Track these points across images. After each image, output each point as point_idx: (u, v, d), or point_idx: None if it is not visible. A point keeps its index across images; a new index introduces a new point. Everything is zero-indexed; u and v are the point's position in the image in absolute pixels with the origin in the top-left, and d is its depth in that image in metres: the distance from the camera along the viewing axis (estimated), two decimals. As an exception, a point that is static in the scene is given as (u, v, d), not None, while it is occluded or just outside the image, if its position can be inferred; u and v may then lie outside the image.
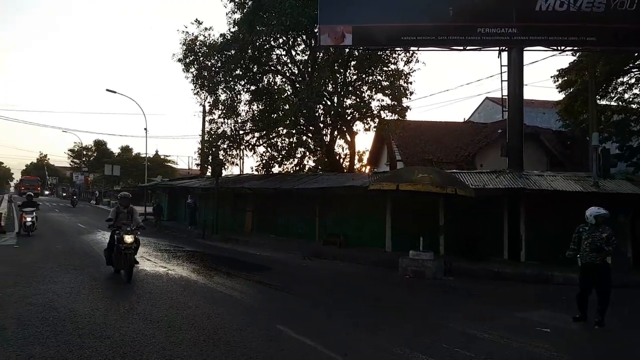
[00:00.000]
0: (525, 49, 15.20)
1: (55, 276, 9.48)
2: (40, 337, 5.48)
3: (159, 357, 5.08)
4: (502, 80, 15.41)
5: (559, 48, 15.29)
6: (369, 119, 20.44)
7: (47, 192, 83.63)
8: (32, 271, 9.94)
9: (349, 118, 20.73)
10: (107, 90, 34.31)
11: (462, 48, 15.69)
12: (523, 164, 14.82)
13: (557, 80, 20.59)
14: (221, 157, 22.81)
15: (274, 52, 21.31)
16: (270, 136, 22.56)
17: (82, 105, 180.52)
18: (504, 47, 15.27)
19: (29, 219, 16.96)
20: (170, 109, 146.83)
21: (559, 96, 21.41)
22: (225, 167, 23.72)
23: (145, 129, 35.85)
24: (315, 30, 17.09)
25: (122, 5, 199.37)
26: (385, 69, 19.75)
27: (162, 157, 66.34)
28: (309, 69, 20.63)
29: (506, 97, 15.31)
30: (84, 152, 78.47)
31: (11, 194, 57.86)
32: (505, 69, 15.27)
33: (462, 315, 7.93)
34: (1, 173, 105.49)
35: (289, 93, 21.19)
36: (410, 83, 19.48)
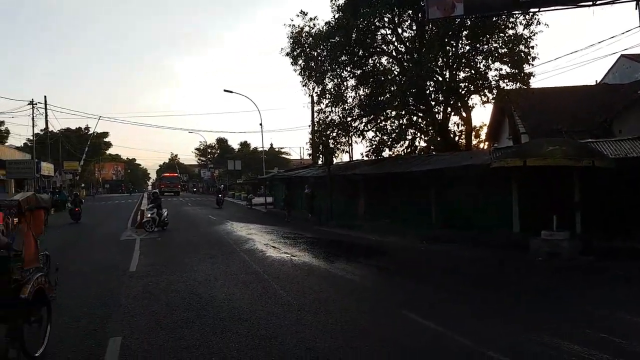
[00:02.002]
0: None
1: (193, 265, 10.42)
2: (187, 321, 6.03)
3: (292, 339, 5.28)
4: (643, 34, 13.28)
5: None
6: (486, 91, 19.04)
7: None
8: (174, 261, 11.04)
9: (463, 92, 19.56)
10: (225, 90, 36.97)
11: (591, 3, 13.84)
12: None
13: None
14: (331, 145, 23.12)
15: (379, 33, 20.84)
16: (379, 120, 22.27)
17: (205, 106, 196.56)
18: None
19: (148, 215, 18.57)
20: (282, 103, 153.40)
21: None
22: (336, 155, 24.03)
23: (260, 124, 37.96)
24: (422, 4, 16.32)
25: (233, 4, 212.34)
26: (501, 35, 18.22)
27: (276, 149, 69.70)
28: (417, 45, 19.85)
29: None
30: (209, 150, 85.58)
31: (150, 192, 65.22)
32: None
33: (607, 299, 7.08)
34: (140, 173, 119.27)
35: (396, 73, 20.66)
36: (532, 48, 17.71)
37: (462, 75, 19.53)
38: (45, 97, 42.29)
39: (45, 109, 38.81)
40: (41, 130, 41.84)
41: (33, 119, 36.47)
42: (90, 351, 4.90)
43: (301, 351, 4.90)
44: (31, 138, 39.87)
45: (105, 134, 76.81)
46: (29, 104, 36.52)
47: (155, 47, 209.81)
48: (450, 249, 13.02)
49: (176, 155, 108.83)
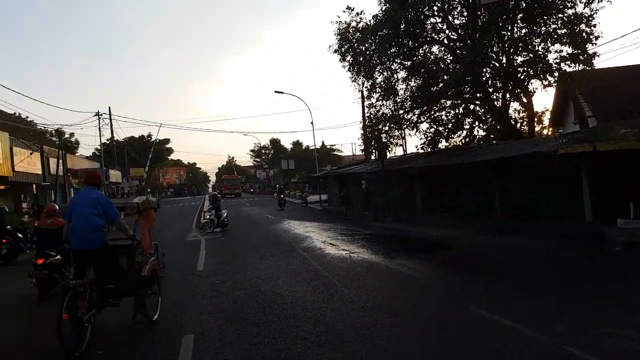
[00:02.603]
0: None
1: (256, 263, 10.67)
2: (254, 318, 6.18)
3: (358, 337, 5.26)
4: None
5: None
6: (546, 75, 18.07)
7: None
8: (238, 260, 11.36)
9: (522, 77, 18.68)
10: (276, 91, 37.77)
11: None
12: None
13: None
14: (384, 139, 22.86)
15: (428, 22, 20.32)
16: (433, 111, 21.75)
17: (257, 108, 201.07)
18: None
19: (207, 216, 19.29)
20: (332, 100, 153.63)
21: None
22: (389, 149, 23.73)
23: (312, 122, 38.37)
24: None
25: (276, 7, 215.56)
26: (560, 15, 17.22)
27: (328, 147, 69.94)
28: (470, 31, 19.18)
29: None
30: (263, 151, 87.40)
31: (210, 194, 67.52)
32: None
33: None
34: (200, 177, 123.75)
35: (449, 61, 20.09)
36: (594, 26, 16.59)
37: (520, 59, 18.67)
38: (109, 108, 44.94)
39: (110, 119, 41.11)
40: (107, 139, 44.44)
41: (100, 129, 38.80)
42: (166, 349, 5.13)
43: (367, 348, 4.87)
44: (99, 147, 42.44)
45: (167, 141, 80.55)
46: (95, 115, 38.85)
47: (207, 52, 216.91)
48: (517, 241, 12.49)
49: (233, 158, 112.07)
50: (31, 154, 23.12)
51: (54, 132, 38.48)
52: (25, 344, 5.76)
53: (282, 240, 15.13)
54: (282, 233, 17.29)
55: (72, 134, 51.54)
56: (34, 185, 24.52)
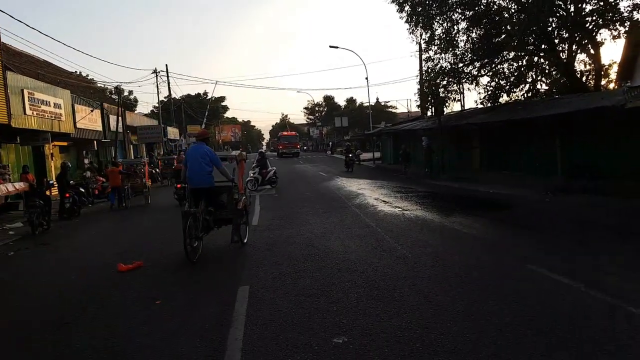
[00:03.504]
0: None
1: (309, 219, 10.84)
2: (307, 272, 6.32)
3: (411, 291, 5.27)
4: None
5: None
6: (616, 24, 16.54)
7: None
8: (291, 216, 11.57)
9: (590, 27, 17.18)
10: (330, 46, 37.15)
11: None
12: None
13: None
14: (441, 94, 22.05)
15: (493, -33, 18.95)
16: (494, 64, 20.61)
17: (311, 64, 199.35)
18: None
19: (251, 174, 18.52)
20: (388, 54, 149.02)
21: None
22: (447, 104, 22.92)
23: (367, 78, 37.77)
24: None
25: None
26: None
27: (382, 103, 68.47)
28: (538, -23, 17.67)
29: None
30: (316, 109, 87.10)
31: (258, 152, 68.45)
32: None
33: None
34: (255, 134, 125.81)
35: (513, 11, 18.74)
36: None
37: (588, 8, 17.15)
38: (166, 65, 46.19)
39: (168, 76, 42.23)
40: (165, 97, 45.88)
41: (157, 86, 39.94)
42: (222, 299, 5.37)
43: (420, 302, 4.87)
44: (157, 105, 43.92)
45: (222, 99, 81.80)
46: (152, 72, 39.95)
47: (261, 7, 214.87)
48: (579, 200, 11.90)
49: (286, 116, 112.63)
50: (92, 111, 24.24)
51: (113, 89, 40.21)
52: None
53: (334, 196, 15.23)
54: (335, 190, 17.39)
55: (130, 92, 53.67)
56: (95, 142, 25.83)
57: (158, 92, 40.98)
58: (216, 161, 7.66)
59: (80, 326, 4.80)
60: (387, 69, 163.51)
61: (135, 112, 45.14)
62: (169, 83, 42.55)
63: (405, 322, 4.36)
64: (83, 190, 15.90)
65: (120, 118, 26.13)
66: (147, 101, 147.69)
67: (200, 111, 60.93)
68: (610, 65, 22.78)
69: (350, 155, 28.54)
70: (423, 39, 22.85)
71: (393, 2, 22.25)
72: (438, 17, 20.82)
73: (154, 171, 23.46)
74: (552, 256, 6.69)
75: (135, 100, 54.04)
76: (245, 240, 8.30)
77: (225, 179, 8.03)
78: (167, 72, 42.59)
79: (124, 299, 5.66)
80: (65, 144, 22.87)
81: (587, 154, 14.46)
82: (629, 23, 16.29)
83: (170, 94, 45.03)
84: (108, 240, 10.43)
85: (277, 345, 4.00)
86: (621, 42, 19.25)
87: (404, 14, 22.12)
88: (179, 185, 14.41)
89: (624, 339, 3.82)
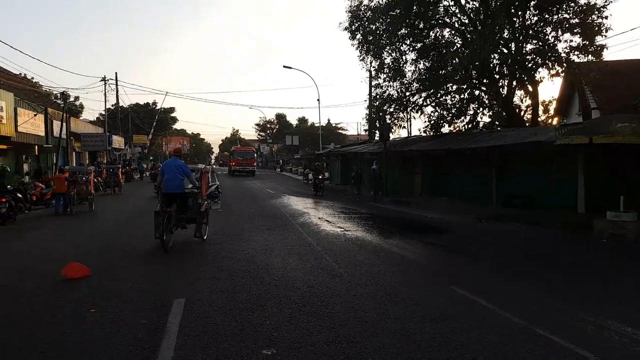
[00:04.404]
0: None
1: (252, 235, 10.93)
2: (245, 287, 6.44)
3: (342, 307, 5.53)
4: None
5: None
6: (555, 64, 18.01)
7: None
8: (234, 231, 11.61)
9: (530, 65, 18.62)
10: (284, 66, 37.61)
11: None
12: None
13: None
14: (388, 120, 22.92)
15: (440, 4, 20.18)
16: (439, 94, 21.76)
17: (265, 83, 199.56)
18: None
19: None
20: (340, 78, 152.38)
21: None
22: (393, 130, 23.80)
23: (318, 99, 38.38)
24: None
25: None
26: (572, 4, 17.06)
27: (333, 125, 69.76)
28: (481, 16, 19.03)
29: None
30: (268, 125, 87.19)
31: (213, 167, 67.32)
32: None
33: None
34: (204, 148, 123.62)
35: (458, 45, 19.98)
36: (606, 18, 16.49)
37: (529, 47, 18.58)
38: (116, 73, 44.87)
39: (117, 84, 41.18)
40: (112, 105, 44.52)
41: (105, 94, 38.84)
42: (158, 310, 5.39)
43: (350, 319, 5.13)
44: (103, 112, 42.55)
45: (172, 109, 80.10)
46: (101, 80, 38.84)
47: (216, 22, 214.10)
48: (510, 228, 12.72)
49: (237, 131, 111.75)
50: (35, 115, 23.18)
51: (59, 94, 38.57)
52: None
53: (279, 214, 15.39)
54: (280, 207, 17.55)
55: (77, 98, 51.48)
56: (37, 147, 24.69)
57: (106, 100, 39.82)
58: (187, 172, 9.60)
59: (8, 331, 4.67)
60: (340, 92, 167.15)
61: (81, 118, 43.43)
62: (117, 91, 41.49)
63: (333, 336, 4.59)
64: (20, 195, 15.19)
65: (64, 124, 25.11)
66: (94, 108, 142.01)
67: (148, 121, 59.43)
68: (550, 102, 24.76)
69: (320, 177, 25.07)
70: (373, 67, 23.79)
71: (346, 29, 23.08)
72: (388, 47, 21.75)
73: (97, 179, 22.85)
74: (476, 279, 7.21)
75: (82, 107, 51.96)
76: (205, 237, 10.00)
77: (192, 186, 9.95)
78: (116, 80, 41.51)
79: (61, 305, 5.57)
80: (4, 147, 21.68)
81: (520, 185, 15.51)
82: (565, 64, 17.74)
83: (118, 102, 43.78)
84: (51, 246, 10.00)
85: (207, 354, 4.13)
86: (559, 81, 21.05)
87: (356, 42, 22.99)
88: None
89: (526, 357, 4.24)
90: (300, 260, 8.25)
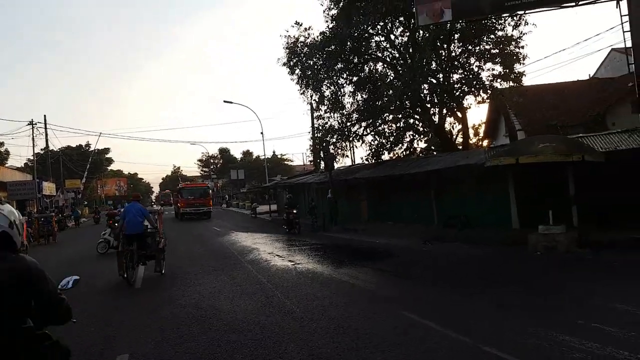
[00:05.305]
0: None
1: (198, 278, 10.56)
2: (192, 335, 6.21)
3: (296, 346, 5.46)
4: (624, 32, 13.52)
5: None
6: (480, 91, 19.40)
7: None
8: (178, 274, 11.19)
9: (457, 94, 19.88)
10: (225, 101, 37.90)
11: (574, 4, 14.22)
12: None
13: None
14: (331, 151, 23.40)
15: (372, 40, 21.28)
16: (377, 124, 22.57)
17: (205, 118, 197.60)
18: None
19: (102, 235, 16.89)
20: (282, 110, 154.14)
21: None
22: (337, 160, 24.30)
23: (262, 133, 38.55)
24: (413, 11, 16.61)
25: (224, 18, 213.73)
26: (492, 36, 18.56)
27: (279, 156, 70.03)
28: (410, 50, 20.20)
29: (631, 48, 13.44)
30: (211, 161, 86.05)
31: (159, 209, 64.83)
32: (626, 18, 13.36)
33: (601, 290, 7.28)
34: (142, 188, 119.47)
35: (391, 78, 20.97)
36: (522, 47, 18.13)
37: (455, 77, 19.91)
38: (44, 116, 42.67)
39: (45, 128, 39.26)
40: (41, 149, 42.29)
41: (33, 139, 36.92)
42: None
43: (303, 357, 5.08)
44: (32, 158, 40.28)
45: (107, 150, 77.43)
46: (28, 124, 36.97)
47: (150, 60, 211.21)
48: (451, 248, 13.18)
49: (179, 168, 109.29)
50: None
51: (-20, 141, 36.20)
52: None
53: (227, 253, 15.05)
54: (228, 245, 17.19)
55: (1, 144, 48.61)
56: (-41, 199, 22.84)
57: (34, 144, 37.71)
58: (147, 215, 10.81)
59: None
60: (283, 123, 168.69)
61: (7, 165, 40.83)
62: (46, 135, 39.52)
63: (288, 377, 4.52)
64: None
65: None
66: (20, 154, 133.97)
67: (81, 164, 56.86)
68: (480, 125, 26.31)
69: (294, 211, 20.84)
70: (314, 100, 24.42)
71: (285, 65, 23.61)
72: (326, 81, 22.48)
73: (29, 229, 21.50)
74: (425, 302, 7.41)
75: (7, 153, 48.98)
76: (163, 271, 11.07)
77: (150, 226, 10.93)
78: (45, 123, 39.54)
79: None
80: None
81: (457, 206, 16.25)
82: (490, 91, 19.09)
83: (47, 147, 41.67)
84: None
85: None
86: (485, 106, 22.54)
87: (295, 77, 23.54)
88: (110, 222, 17.20)
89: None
90: (250, 300, 8.09)
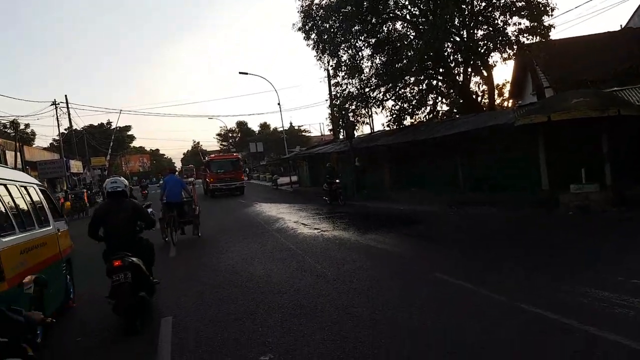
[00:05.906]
0: None
1: (229, 246, 10.79)
2: (230, 297, 6.36)
3: (331, 306, 5.53)
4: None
5: None
6: (506, 48, 18.59)
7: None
8: (211, 243, 11.45)
9: (482, 51, 19.14)
10: (240, 72, 37.10)
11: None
12: None
13: None
14: (351, 118, 23.10)
15: (391, -2, 20.49)
16: (398, 88, 22.07)
17: (222, 91, 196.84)
18: None
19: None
20: (299, 79, 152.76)
21: None
22: (357, 127, 24.02)
23: (279, 104, 38.14)
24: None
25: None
26: (517, -14, 17.68)
27: (296, 127, 69.83)
28: (431, 6, 19.43)
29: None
30: (230, 135, 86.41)
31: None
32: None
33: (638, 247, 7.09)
34: (164, 163, 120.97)
35: (412, 37, 20.34)
36: (550, -3, 17.20)
37: (480, 33, 19.14)
38: (66, 96, 42.84)
39: (68, 107, 39.73)
40: (65, 129, 42.94)
41: (57, 118, 37.47)
42: (146, 331, 5.25)
43: (340, 316, 5.15)
44: (57, 138, 41.08)
45: (128, 128, 78.42)
46: (51, 104, 37.43)
47: (166, 33, 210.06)
48: (479, 211, 13.04)
49: (198, 143, 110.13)
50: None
51: (7, 123, 36.99)
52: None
53: (254, 222, 15.25)
54: (254, 215, 17.40)
55: (27, 125, 49.57)
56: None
57: (58, 124, 38.34)
58: (184, 185, 12.66)
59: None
60: (300, 94, 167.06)
61: (34, 146, 41.77)
62: (69, 114, 40.00)
63: (327, 335, 4.60)
64: None
65: (18, 154, 24.09)
66: (46, 134, 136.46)
67: (104, 142, 57.77)
68: (504, 85, 25.51)
69: (337, 181, 19.27)
70: (330, 66, 23.89)
71: (300, 30, 23.08)
72: (343, 45, 21.89)
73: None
74: (457, 264, 7.38)
75: (33, 134, 50.03)
76: (200, 234, 12.40)
77: (187, 195, 12.37)
78: (67, 103, 39.98)
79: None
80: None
81: (484, 169, 15.88)
82: (516, 46, 18.35)
83: (71, 126, 42.32)
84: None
85: (205, 370, 4.04)
86: (511, 63, 21.75)
87: (311, 42, 23.01)
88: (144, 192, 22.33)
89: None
90: (282, 265, 8.20)
